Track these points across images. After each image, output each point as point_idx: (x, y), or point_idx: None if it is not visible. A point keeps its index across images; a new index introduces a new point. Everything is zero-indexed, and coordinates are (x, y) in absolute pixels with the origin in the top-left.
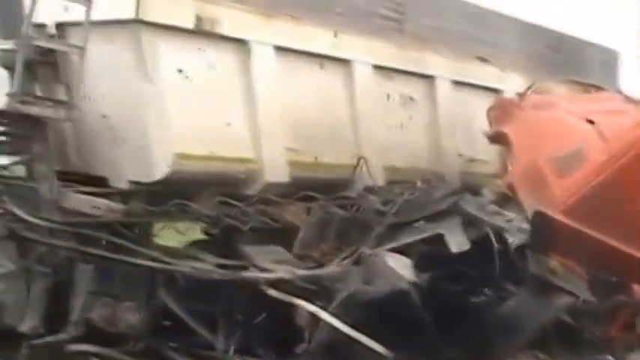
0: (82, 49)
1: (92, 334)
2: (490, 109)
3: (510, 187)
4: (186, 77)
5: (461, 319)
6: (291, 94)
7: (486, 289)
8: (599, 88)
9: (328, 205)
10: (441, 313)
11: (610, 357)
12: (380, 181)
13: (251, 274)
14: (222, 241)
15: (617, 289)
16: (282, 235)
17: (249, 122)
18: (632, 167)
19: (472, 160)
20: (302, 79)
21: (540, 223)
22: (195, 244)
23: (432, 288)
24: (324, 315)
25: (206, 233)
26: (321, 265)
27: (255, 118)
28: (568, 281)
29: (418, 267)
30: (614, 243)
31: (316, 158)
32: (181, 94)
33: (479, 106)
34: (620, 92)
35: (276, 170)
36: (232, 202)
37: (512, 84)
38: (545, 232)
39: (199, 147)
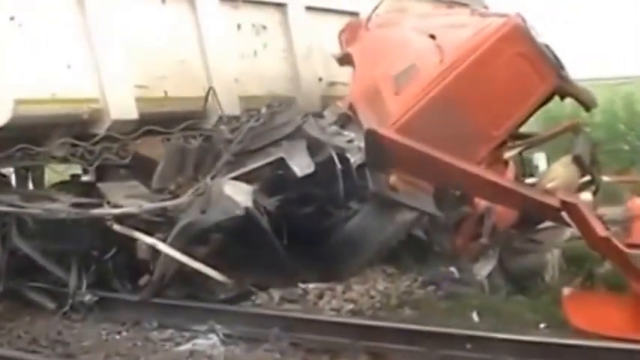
0: None
1: None
2: (340, 32)
3: (350, 107)
4: (19, 25)
5: (309, 241)
6: (133, 32)
7: (333, 210)
8: (462, 5)
9: (179, 138)
10: (289, 236)
11: (453, 268)
12: (237, 111)
13: (99, 210)
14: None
15: (461, 202)
16: (149, 171)
17: (90, 63)
18: (464, 78)
19: (333, 84)
20: (143, 16)
21: (373, 141)
22: (59, 185)
23: (281, 211)
24: (162, 246)
25: (71, 175)
26: (175, 197)
27: (96, 58)
28: (411, 197)
29: (265, 191)
30: (445, 157)
31: (166, 93)
32: (15, 41)
33: (336, 29)
34: (485, 7)
35: (122, 108)
36: (75, 142)
37: (369, 5)
38: (378, 150)
39: (40, 91)
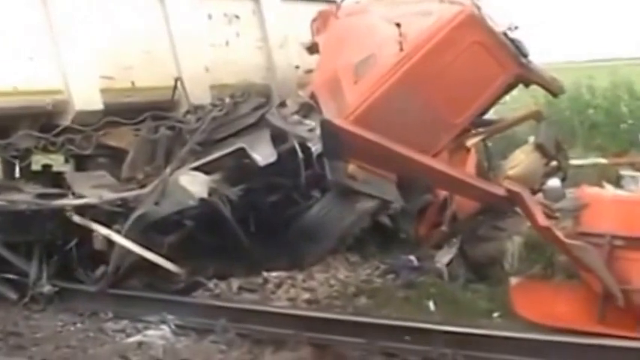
0: None
1: None
2: (312, 20)
3: (312, 96)
4: None
5: (273, 229)
6: (98, 23)
7: (296, 199)
8: None
9: (149, 128)
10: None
11: (412, 257)
12: (208, 100)
13: (59, 201)
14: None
15: (424, 190)
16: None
17: (53, 55)
18: (421, 67)
19: (310, 71)
20: (109, 7)
21: (328, 131)
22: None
23: (244, 200)
24: (116, 237)
25: (43, 164)
26: (142, 187)
27: (59, 50)
28: (370, 185)
29: (228, 181)
30: (398, 147)
31: (133, 83)
32: None
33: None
34: None
35: (87, 99)
36: (37, 134)
37: None
38: (334, 141)
39: (1, 84)
